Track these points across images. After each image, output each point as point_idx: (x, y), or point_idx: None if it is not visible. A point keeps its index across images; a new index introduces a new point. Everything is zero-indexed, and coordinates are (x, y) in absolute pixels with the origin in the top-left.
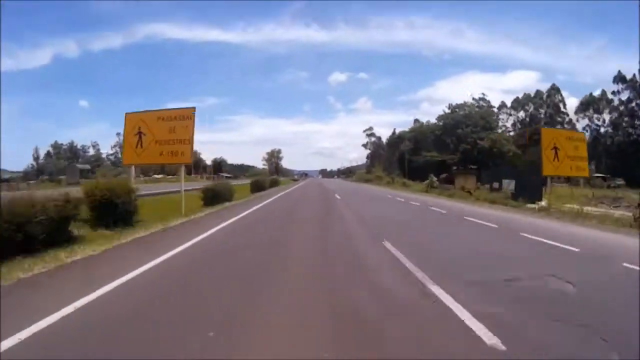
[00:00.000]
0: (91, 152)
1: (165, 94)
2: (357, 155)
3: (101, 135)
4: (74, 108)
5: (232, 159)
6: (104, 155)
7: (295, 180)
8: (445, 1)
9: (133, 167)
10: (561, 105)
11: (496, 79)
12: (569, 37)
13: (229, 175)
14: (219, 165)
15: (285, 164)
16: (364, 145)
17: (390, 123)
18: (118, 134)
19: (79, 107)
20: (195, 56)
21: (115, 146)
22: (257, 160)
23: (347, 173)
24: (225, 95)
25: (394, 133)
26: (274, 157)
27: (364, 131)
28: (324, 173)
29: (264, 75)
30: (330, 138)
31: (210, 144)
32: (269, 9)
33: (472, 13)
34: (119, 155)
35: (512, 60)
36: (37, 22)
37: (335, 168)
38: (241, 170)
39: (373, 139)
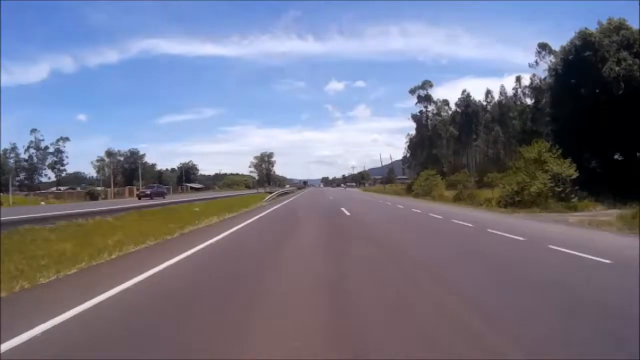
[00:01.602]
0: None
1: (162, 107)
2: (356, 164)
3: (100, 149)
4: (72, 122)
5: (232, 169)
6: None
7: (284, 193)
8: (439, 8)
9: None
10: None
11: (493, 83)
12: (566, 38)
13: (196, 187)
14: (186, 174)
15: (286, 172)
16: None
17: (389, 129)
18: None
19: (77, 120)
20: (191, 69)
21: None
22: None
23: (358, 180)
24: (222, 107)
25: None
26: (264, 163)
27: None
28: (326, 181)
29: (261, 87)
30: (330, 146)
31: (211, 154)
32: (262, 22)
33: (466, 18)
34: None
35: (509, 64)
36: (34, 37)
37: (337, 176)
38: (217, 179)
39: (430, 108)
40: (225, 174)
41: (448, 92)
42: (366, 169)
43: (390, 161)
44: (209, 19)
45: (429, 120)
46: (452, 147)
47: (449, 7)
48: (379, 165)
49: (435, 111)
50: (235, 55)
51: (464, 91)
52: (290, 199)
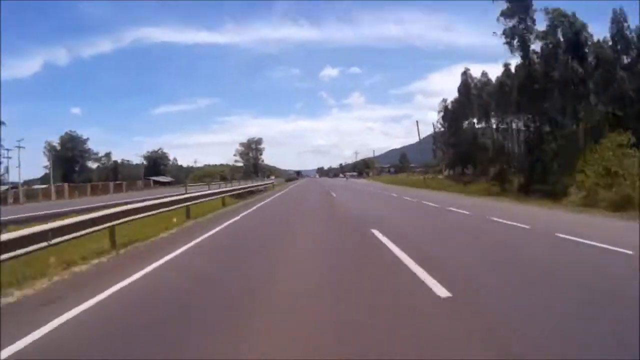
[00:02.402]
0: None
1: (156, 97)
2: (351, 153)
3: (94, 141)
4: (66, 115)
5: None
6: None
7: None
8: None
9: None
10: None
11: (490, 69)
12: None
13: (164, 181)
14: (154, 165)
15: (281, 163)
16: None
17: (383, 117)
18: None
19: (71, 114)
20: (185, 58)
21: None
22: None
23: (360, 169)
24: (217, 96)
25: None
26: (251, 151)
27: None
28: (322, 171)
29: (255, 75)
30: (325, 135)
31: (207, 145)
32: (257, 8)
33: (461, 6)
34: None
35: (502, 51)
36: (26, 30)
37: (333, 165)
38: (191, 171)
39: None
40: (202, 166)
41: (445, 77)
42: (373, 155)
43: (416, 140)
44: (203, 6)
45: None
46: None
47: None
48: (372, 155)
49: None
50: (230, 42)
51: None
52: (258, 206)
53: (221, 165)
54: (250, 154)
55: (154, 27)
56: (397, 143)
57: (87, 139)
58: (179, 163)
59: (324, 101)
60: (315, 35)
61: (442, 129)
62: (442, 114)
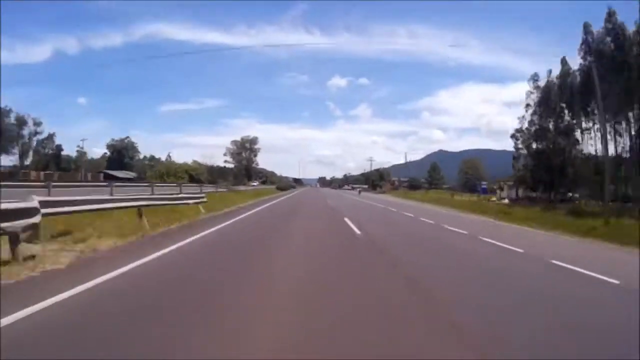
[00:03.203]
0: None
1: (163, 94)
2: (355, 165)
3: (98, 133)
4: (72, 104)
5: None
6: None
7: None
8: (447, 11)
9: None
10: None
11: (496, 90)
12: (570, 48)
13: (125, 176)
14: (118, 156)
15: (282, 170)
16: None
17: (388, 132)
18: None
19: (77, 103)
20: (195, 57)
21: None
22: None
23: (371, 180)
24: (224, 98)
25: None
26: (245, 151)
27: None
28: (323, 181)
29: (264, 79)
30: (329, 146)
31: (210, 147)
32: (270, 13)
33: (474, 24)
34: None
35: (512, 72)
36: (38, 17)
37: (337, 175)
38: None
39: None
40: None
41: (452, 95)
42: (387, 166)
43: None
44: (216, 5)
45: None
46: None
47: (456, 10)
48: (369, 169)
49: None
50: (241, 44)
51: None
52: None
53: (195, 162)
54: (244, 154)
55: (165, 23)
56: (400, 159)
57: (10, 110)
58: (156, 156)
59: (331, 111)
60: (326, 43)
61: (527, 130)
62: (531, 109)
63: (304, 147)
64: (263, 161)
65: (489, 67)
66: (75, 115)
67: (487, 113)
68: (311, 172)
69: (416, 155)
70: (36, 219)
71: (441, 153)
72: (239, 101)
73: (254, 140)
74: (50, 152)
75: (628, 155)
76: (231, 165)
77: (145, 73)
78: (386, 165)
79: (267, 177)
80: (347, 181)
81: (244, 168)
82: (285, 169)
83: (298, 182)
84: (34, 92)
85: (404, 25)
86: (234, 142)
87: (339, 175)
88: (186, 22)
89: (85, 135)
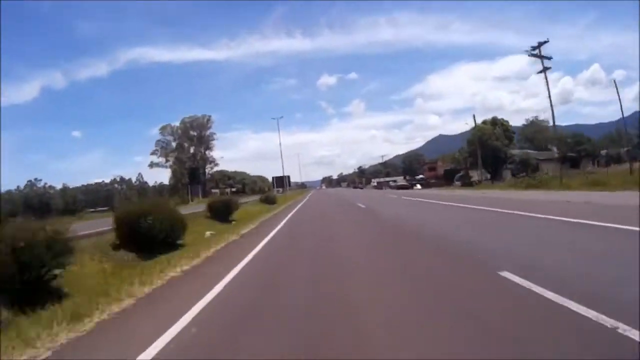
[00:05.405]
0: None
1: (154, 116)
2: (355, 162)
3: (96, 165)
4: (67, 139)
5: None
6: None
7: None
8: None
9: None
10: None
11: (487, 67)
12: (555, 18)
13: None
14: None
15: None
16: None
17: (385, 124)
18: None
19: (72, 137)
20: (181, 76)
21: None
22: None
23: (384, 177)
24: (214, 112)
25: None
26: (191, 142)
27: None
28: (327, 181)
29: (253, 88)
30: (327, 146)
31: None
32: (249, 19)
33: (455, 4)
34: None
35: (501, 47)
36: (22, 55)
37: (344, 172)
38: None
39: None
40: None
41: (443, 78)
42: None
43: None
44: (195, 22)
45: None
46: None
47: None
48: (374, 162)
49: None
50: (225, 57)
51: None
52: None
53: None
54: (191, 147)
55: (147, 46)
56: (399, 150)
57: None
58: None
59: (324, 111)
60: (309, 45)
61: None
62: None
63: (303, 151)
64: (260, 170)
65: (476, 45)
66: (72, 149)
67: (479, 91)
68: (314, 174)
69: (415, 144)
70: None
71: (441, 137)
72: (229, 114)
73: (208, 120)
74: None
75: None
76: (164, 170)
77: (135, 98)
78: (388, 157)
79: (244, 184)
80: (360, 178)
81: (189, 171)
82: (288, 174)
83: (302, 186)
84: (29, 131)
85: (385, 15)
86: (172, 127)
87: (341, 173)
88: (167, 43)
89: (85, 167)
